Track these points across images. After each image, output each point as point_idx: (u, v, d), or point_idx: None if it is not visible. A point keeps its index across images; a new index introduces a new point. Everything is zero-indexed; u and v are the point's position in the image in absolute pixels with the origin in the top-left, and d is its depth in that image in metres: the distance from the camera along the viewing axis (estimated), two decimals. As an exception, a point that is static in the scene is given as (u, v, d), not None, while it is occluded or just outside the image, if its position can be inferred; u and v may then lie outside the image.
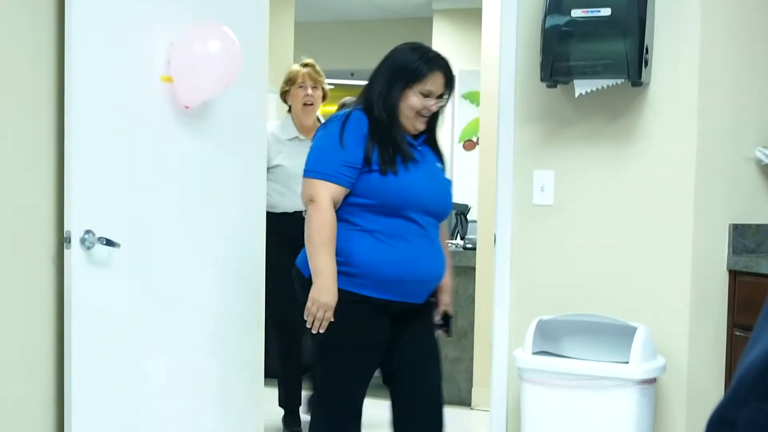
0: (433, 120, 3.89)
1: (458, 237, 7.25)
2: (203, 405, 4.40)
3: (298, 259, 3.89)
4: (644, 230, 4.34)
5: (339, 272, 3.65)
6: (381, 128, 3.73)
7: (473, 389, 6.57)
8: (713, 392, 4.30)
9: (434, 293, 3.95)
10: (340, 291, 3.64)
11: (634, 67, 4.11)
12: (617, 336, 4.17)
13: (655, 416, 4.24)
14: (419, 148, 3.84)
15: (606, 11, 4.12)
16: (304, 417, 5.65)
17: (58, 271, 3.81)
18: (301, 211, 5.30)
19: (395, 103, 3.77)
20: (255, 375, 4.80)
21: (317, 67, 5.92)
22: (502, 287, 4.62)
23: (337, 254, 3.67)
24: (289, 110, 5.95)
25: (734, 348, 4.29)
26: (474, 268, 6.49)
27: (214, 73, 4.14)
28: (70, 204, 3.74)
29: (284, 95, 5.95)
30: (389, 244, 3.68)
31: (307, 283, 3.72)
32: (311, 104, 5.82)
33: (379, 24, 13.12)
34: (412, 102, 3.77)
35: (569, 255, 4.48)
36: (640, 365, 4.03)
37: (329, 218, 3.66)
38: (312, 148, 3.83)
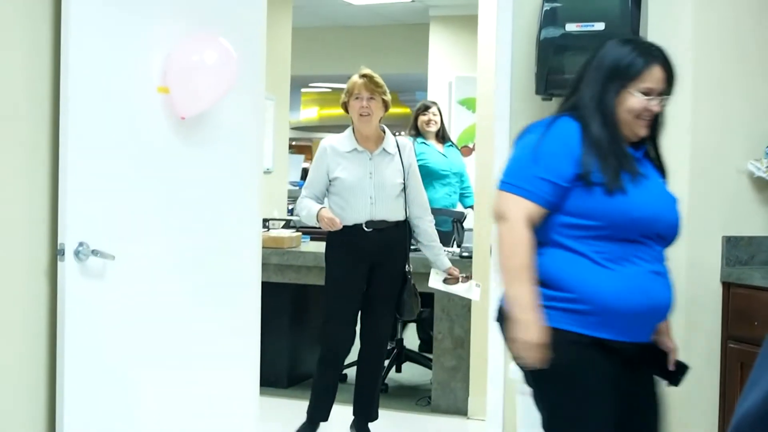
0: (654, 125, 3.35)
1: (454, 245, 7.24)
2: (198, 416, 4.40)
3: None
4: (638, 243, 4.34)
5: (553, 308, 3.09)
6: (598, 138, 3.16)
7: (470, 398, 6.56)
8: (708, 404, 4.30)
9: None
10: (559, 332, 3.07)
11: (627, 80, 4.10)
12: (611, 348, 4.16)
13: (649, 429, 4.24)
14: (641, 159, 3.31)
15: (600, 25, 4.13)
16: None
17: (51, 284, 3.80)
18: (361, 224, 5.53)
19: (611, 108, 3.21)
20: (250, 384, 4.79)
21: (375, 78, 5.77)
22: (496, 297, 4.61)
23: (545, 285, 3.11)
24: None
25: (728, 360, 4.29)
26: (470, 277, 6.48)
27: (211, 84, 4.14)
28: (64, 216, 3.74)
29: (345, 106, 5.87)
30: (618, 271, 3.10)
31: (506, 319, 3.17)
32: (367, 115, 5.65)
33: (377, 30, 13.13)
34: (631, 104, 3.22)
35: (563, 267, 4.47)
36: (633, 378, 4.02)
37: (524, 239, 3.09)
38: (511, 157, 3.30)
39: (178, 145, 4.21)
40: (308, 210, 5.63)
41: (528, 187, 3.11)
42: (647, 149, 3.38)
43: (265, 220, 7.18)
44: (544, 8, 4.26)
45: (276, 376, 7.19)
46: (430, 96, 10.44)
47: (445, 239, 6.82)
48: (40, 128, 3.77)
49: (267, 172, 8.40)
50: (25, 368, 3.76)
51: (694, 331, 4.30)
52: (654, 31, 4.26)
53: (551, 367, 3.07)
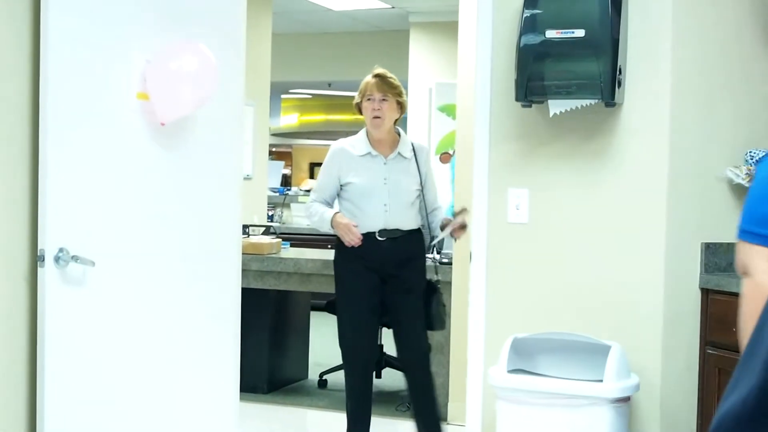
0: None
1: (434, 251, 7.24)
2: (178, 421, 4.39)
3: None
4: (617, 249, 4.36)
5: None
6: None
7: (449, 404, 6.56)
8: (687, 410, 4.32)
9: None
10: None
11: (607, 87, 4.13)
12: (591, 354, 4.18)
13: (629, 434, 4.25)
14: None
15: (580, 32, 4.14)
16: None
17: (31, 290, 3.79)
18: (374, 233, 5.16)
19: None
20: (230, 390, 4.78)
21: (389, 77, 5.36)
22: (477, 305, 4.62)
23: None
24: None
25: (707, 365, 4.31)
26: (450, 283, 6.48)
27: (190, 91, 4.13)
28: (44, 222, 3.73)
29: (358, 107, 5.44)
30: None
31: None
32: (379, 117, 5.26)
33: (357, 36, 13.14)
34: None
35: (544, 273, 4.49)
36: (614, 384, 4.05)
37: None
38: (748, 195, 2.57)
39: (158, 152, 4.20)
40: (320, 215, 5.29)
41: None
42: None
43: (244, 227, 7.17)
44: (524, 15, 4.27)
45: (256, 382, 7.18)
46: (410, 103, 10.44)
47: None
48: (19, 134, 3.76)
49: (247, 178, 8.38)
50: (5, 375, 3.74)
51: (673, 338, 4.32)
52: (634, 38, 4.28)
53: None
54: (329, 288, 6.78)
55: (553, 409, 4.10)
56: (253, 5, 6.38)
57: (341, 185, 5.31)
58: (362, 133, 5.42)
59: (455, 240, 5.55)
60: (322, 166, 5.47)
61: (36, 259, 3.75)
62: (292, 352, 7.81)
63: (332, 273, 6.58)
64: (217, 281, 4.62)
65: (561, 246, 4.47)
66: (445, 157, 10.03)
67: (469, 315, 4.66)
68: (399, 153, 5.30)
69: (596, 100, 4.22)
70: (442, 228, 5.28)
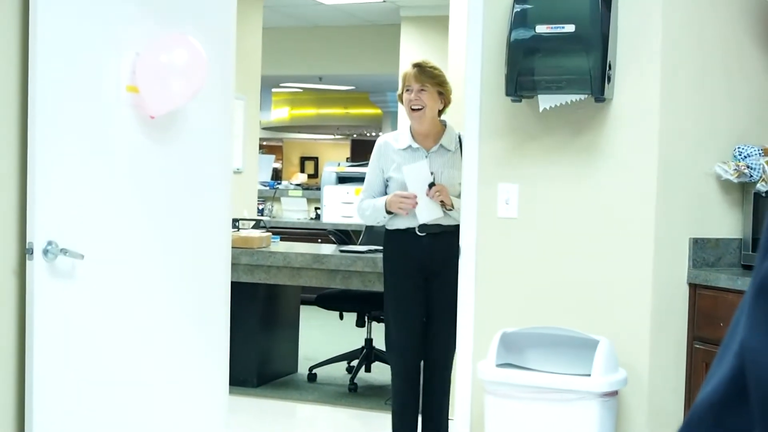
0: None
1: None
2: (167, 414, 4.39)
3: None
4: (606, 244, 4.37)
5: None
6: None
7: (438, 397, 6.56)
8: (674, 404, 4.33)
9: None
10: None
11: (597, 82, 4.13)
12: (580, 349, 4.19)
13: (617, 429, 4.26)
14: None
15: (570, 27, 4.14)
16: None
17: (20, 283, 3.78)
18: (414, 229, 5.05)
19: None
20: (220, 383, 4.79)
21: (428, 67, 5.17)
22: (467, 299, 4.63)
23: None
24: None
25: (694, 360, 4.32)
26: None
27: (180, 84, 4.13)
28: (33, 215, 3.72)
29: (401, 99, 5.29)
30: None
31: None
32: (419, 108, 5.11)
33: (348, 30, 13.14)
34: None
35: (533, 268, 4.50)
36: (602, 378, 4.06)
37: None
38: None
39: (148, 145, 4.20)
40: (373, 207, 5.18)
41: None
42: None
43: (234, 220, 7.17)
44: (515, 10, 4.27)
45: (245, 376, 7.18)
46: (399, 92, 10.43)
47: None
48: (7, 127, 3.75)
49: (237, 172, 8.39)
50: (-7, 367, 3.74)
51: (661, 332, 4.33)
52: (624, 33, 4.28)
53: None
54: (319, 282, 6.81)
55: (542, 403, 4.11)
56: (244, -1, 6.38)
57: (385, 181, 5.22)
58: (406, 125, 5.29)
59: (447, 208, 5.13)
60: (369, 162, 5.35)
61: (25, 252, 3.74)
62: (282, 346, 7.81)
63: (322, 268, 6.61)
64: (207, 275, 4.62)
65: (550, 241, 4.47)
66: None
67: (458, 309, 4.66)
68: (441, 145, 5.17)
69: (586, 95, 4.22)
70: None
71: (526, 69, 4.25)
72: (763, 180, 4.27)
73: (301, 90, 19.49)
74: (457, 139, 5.16)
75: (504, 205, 4.55)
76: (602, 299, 4.37)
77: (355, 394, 7.26)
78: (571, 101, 4.27)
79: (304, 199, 12.54)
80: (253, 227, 7.92)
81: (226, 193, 4.76)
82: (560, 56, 4.20)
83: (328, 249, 7.40)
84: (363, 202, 5.27)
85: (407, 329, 5.22)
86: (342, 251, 6.93)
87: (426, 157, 5.15)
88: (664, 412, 4.33)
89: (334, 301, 7.71)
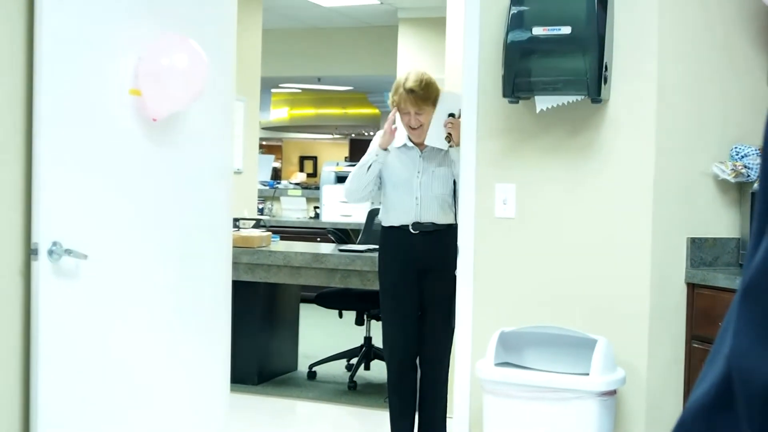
0: None
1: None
2: (169, 412, 4.39)
3: None
4: (604, 244, 4.36)
5: None
6: None
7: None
8: (672, 404, 4.32)
9: None
10: None
11: (593, 83, 4.13)
12: (578, 348, 4.19)
13: (616, 428, 4.25)
14: None
15: (566, 29, 4.14)
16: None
17: (25, 283, 3.79)
18: (407, 226, 5.10)
19: None
20: (221, 381, 4.78)
21: (421, 91, 5.15)
22: (465, 298, 4.62)
23: None
24: None
25: (692, 360, 4.32)
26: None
27: (182, 86, 4.13)
28: (38, 216, 3.73)
29: (394, 105, 5.29)
30: None
31: None
32: (417, 128, 5.16)
33: (346, 32, 13.14)
34: None
35: (531, 267, 4.49)
36: (600, 377, 4.05)
37: None
38: None
39: (150, 147, 4.20)
40: (359, 164, 5.27)
41: None
42: None
43: (235, 220, 7.17)
44: (511, 12, 4.26)
45: (246, 374, 7.19)
46: (390, 97, 10.44)
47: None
48: (12, 129, 3.75)
49: (237, 172, 8.38)
50: (0, 365, 3.74)
51: (659, 332, 4.32)
52: (620, 35, 4.28)
53: None
54: (318, 281, 6.81)
55: (540, 402, 4.10)
56: (244, 1, 6.37)
57: (380, 173, 5.26)
58: (401, 125, 5.30)
59: (450, 143, 5.12)
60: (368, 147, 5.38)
61: (30, 252, 3.75)
62: (282, 345, 7.81)
63: (321, 267, 6.61)
64: (208, 274, 4.62)
65: (548, 240, 4.47)
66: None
67: (456, 309, 4.66)
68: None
69: (582, 96, 4.22)
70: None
71: (523, 70, 4.24)
72: (759, 180, 4.25)
73: (300, 90, 19.49)
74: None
75: (501, 205, 4.54)
76: (600, 298, 4.37)
77: (354, 391, 7.26)
78: (568, 102, 4.27)
79: (304, 199, 12.55)
80: (254, 227, 7.92)
81: (226, 193, 4.76)
82: (557, 58, 4.19)
83: (327, 248, 7.41)
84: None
85: (400, 324, 5.24)
86: (341, 250, 6.93)
87: (420, 156, 5.20)
88: (662, 411, 4.32)
89: (334, 299, 7.72)
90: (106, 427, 4.05)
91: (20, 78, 3.77)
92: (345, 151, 21.84)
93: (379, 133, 5.29)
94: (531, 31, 4.21)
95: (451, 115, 5.05)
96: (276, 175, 17.28)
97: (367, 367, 7.71)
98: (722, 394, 0.83)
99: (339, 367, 7.86)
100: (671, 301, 4.34)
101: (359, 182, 5.30)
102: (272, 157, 16.77)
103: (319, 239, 10.36)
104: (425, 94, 5.17)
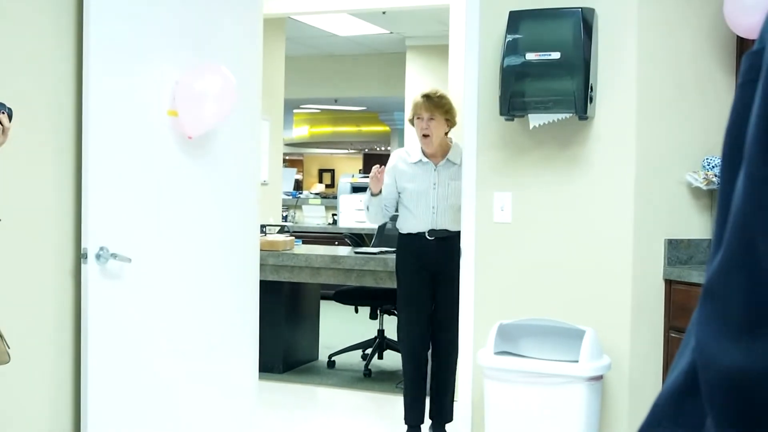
0: None
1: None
2: (205, 398, 4.40)
3: None
4: (590, 245, 4.36)
5: None
6: None
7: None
8: (652, 387, 4.32)
9: None
10: None
11: (580, 102, 4.13)
12: (568, 338, 4.19)
13: (602, 409, 4.25)
14: None
15: (556, 54, 4.14)
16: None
17: (76, 283, 3.81)
18: (424, 233, 5.11)
19: None
20: (250, 370, 4.79)
21: (435, 98, 5.22)
22: (467, 295, 4.62)
23: None
24: None
25: (670, 348, 4.31)
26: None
27: (214, 108, 4.14)
28: (87, 223, 3.75)
29: (411, 123, 5.38)
30: None
31: None
32: (428, 136, 5.18)
33: (359, 58, 13.16)
34: None
35: (526, 267, 4.49)
36: (588, 364, 4.05)
37: None
38: None
39: (186, 161, 4.21)
40: (364, 200, 5.34)
41: None
42: None
43: (262, 226, 7.18)
44: (507, 39, 4.27)
45: (273, 363, 7.18)
46: (407, 116, 10.45)
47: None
48: (65, 147, 3.78)
49: (263, 183, 8.40)
50: (53, 359, 3.76)
51: (640, 323, 4.32)
52: (603, 58, 4.28)
53: None
54: (336, 280, 6.81)
55: (535, 386, 4.10)
56: (269, 31, 6.39)
57: (398, 191, 5.27)
58: (417, 142, 5.35)
59: None
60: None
61: (80, 256, 3.77)
62: (304, 337, 7.81)
63: (339, 267, 6.61)
64: (238, 274, 4.63)
65: (541, 242, 4.47)
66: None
67: (459, 304, 4.66)
68: (448, 159, 5.21)
69: (571, 114, 4.22)
70: None
71: (518, 91, 4.24)
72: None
73: (319, 111, 19.51)
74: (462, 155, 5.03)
75: (499, 211, 4.54)
76: (588, 294, 4.36)
77: (369, 378, 7.26)
78: (558, 119, 4.27)
79: (323, 207, 12.55)
80: (278, 232, 7.93)
81: (254, 203, 4.77)
82: (547, 80, 4.19)
83: (344, 251, 7.40)
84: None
85: (416, 320, 5.24)
86: (357, 252, 6.93)
87: (434, 170, 5.19)
88: (643, 394, 4.31)
89: (350, 296, 7.71)
90: (149, 412, 4.06)
91: (71, 104, 3.80)
92: (359, 164, 21.88)
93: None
94: (524, 56, 4.21)
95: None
96: (298, 186, 17.29)
97: (380, 357, 7.71)
98: (690, 381, 0.85)
99: (355, 357, 7.86)
100: (651, 295, 4.34)
101: (370, 214, 5.38)
102: (294, 170, 16.77)
103: (336, 243, 10.36)
104: (438, 101, 5.19)
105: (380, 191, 5.21)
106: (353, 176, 11.78)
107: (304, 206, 12.75)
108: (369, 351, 7.66)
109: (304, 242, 8.07)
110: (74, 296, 3.81)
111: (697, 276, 4.14)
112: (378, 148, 22.35)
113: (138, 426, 4.01)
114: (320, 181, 21.78)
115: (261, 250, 5.27)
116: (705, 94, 4.47)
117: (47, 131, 3.72)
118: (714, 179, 4.31)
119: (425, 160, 5.24)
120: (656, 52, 4.36)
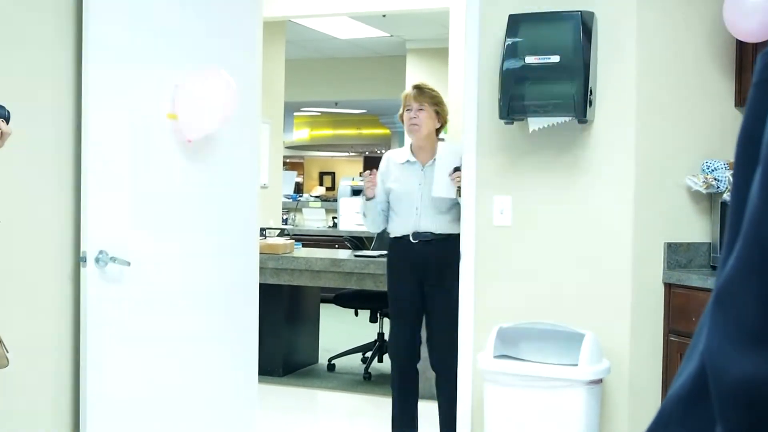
0: None
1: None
2: (205, 401, 4.39)
3: None
4: (590, 248, 4.36)
5: None
6: None
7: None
8: (652, 390, 4.31)
9: None
10: None
11: (580, 106, 4.13)
12: (568, 341, 4.18)
13: (602, 412, 4.24)
14: None
15: (555, 58, 4.14)
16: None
17: (75, 287, 3.80)
18: (408, 236, 4.91)
19: None
20: (250, 373, 4.78)
21: (426, 88, 5.09)
22: (467, 298, 4.61)
23: None
24: None
25: (670, 351, 4.31)
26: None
27: (213, 111, 4.14)
28: (86, 227, 3.75)
29: (401, 119, 5.16)
30: None
31: None
32: (415, 125, 4.97)
33: (360, 61, 13.16)
34: None
35: (526, 270, 4.49)
36: (588, 367, 4.04)
37: None
38: None
39: (186, 165, 4.21)
40: (360, 206, 5.23)
41: None
42: None
43: (262, 229, 7.17)
44: (506, 43, 4.27)
45: (272, 366, 7.18)
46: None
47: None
48: (64, 150, 3.78)
49: (263, 186, 8.39)
50: (53, 362, 3.76)
51: (640, 326, 4.31)
52: (603, 62, 4.28)
53: None
54: (336, 283, 6.81)
55: (534, 390, 4.09)
56: (269, 34, 6.39)
57: (386, 192, 5.11)
58: (408, 143, 5.21)
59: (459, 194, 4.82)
60: None
61: (79, 260, 3.76)
62: (304, 340, 7.81)
63: (339, 270, 6.60)
64: (238, 277, 4.63)
65: (540, 246, 4.46)
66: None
67: (459, 307, 4.65)
68: (436, 159, 4.96)
69: (570, 118, 4.21)
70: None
71: (517, 95, 4.24)
72: (729, 191, 4.25)
73: (319, 114, 19.51)
74: (453, 155, 4.90)
75: (499, 215, 4.54)
76: (587, 297, 4.36)
77: (369, 381, 7.25)
78: (557, 123, 4.26)
79: (323, 210, 12.54)
80: (278, 235, 7.92)
81: (254, 206, 4.77)
82: (547, 83, 4.19)
83: (344, 254, 7.40)
84: None
85: (403, 326, 5.07)
86: (356, 256, 6.93)
87: (421, 170, 5.03)
88: (643, 397, 4.31)
89: (350, 299, 7.71)
90: (148, 416, 4.05)
91: (70, 106, 3.79)
92: (360, 167, 21.85)
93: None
94: (524, 59, 4.21)
95: (457, 168, 4.81)
96: (298, 189, 17.29)
97: (380, 360, 7.70)
98: (697, 386, 0.83)
99: (355, 360, 7.85)
100: (650, 299, 4.33)
101: (368, 221, 5.22)
102: (295, 173, 16.77)
103: (336, 246, 10.34)
104: (429, 93, 5.05)
105: (374, 196, 5.11)
106: (353, 179, 11.77)
107: (304, 209, 12.74)
108: (369, 354, 7.65)
109: (304, 245, 8.06)
110: (73, 300, 3.81)
111: (697, 280, 4.14)
112: (378, 151, 22.33)
113: (137, 431, 4.00)
114: (320, 184, 21.77)
115: (261, 253, 5.27)
116: (704, 97, 4.47)
117: (46, 134, 3.72)
118: (713, 182, 4.30)
119: (413, 159, 5.06)
120: (656, 56, 4.36)
